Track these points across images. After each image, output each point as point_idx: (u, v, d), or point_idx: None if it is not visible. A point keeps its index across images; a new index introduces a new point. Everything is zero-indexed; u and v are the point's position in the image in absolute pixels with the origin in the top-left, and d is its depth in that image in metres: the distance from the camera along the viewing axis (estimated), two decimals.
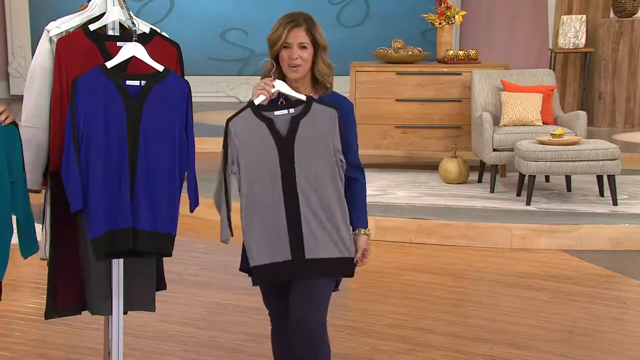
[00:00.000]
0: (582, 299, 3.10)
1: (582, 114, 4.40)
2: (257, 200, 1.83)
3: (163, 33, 2.02)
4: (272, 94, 1.85)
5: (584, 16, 5.97)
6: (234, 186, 1.86)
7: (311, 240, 1.82)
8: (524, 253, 3.68)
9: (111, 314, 2.01)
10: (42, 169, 1.97)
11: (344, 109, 1.88)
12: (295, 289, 1.85)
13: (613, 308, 3.01)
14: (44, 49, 1.96)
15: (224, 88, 7.58)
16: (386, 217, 3.89)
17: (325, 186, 1.83)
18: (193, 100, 1.96)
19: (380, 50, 4.97)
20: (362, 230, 1.90)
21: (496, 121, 4.45)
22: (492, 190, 4.33)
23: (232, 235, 1.86)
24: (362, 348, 2.62)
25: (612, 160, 3.99)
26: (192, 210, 1.95)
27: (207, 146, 5.13)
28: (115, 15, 1.96)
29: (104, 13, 1.97)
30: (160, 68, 1.91)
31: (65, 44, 1.93)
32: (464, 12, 5.04)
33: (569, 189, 4.35)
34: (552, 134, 4.11)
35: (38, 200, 2.05)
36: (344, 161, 1.85)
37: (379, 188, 4.46)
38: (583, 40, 5.96)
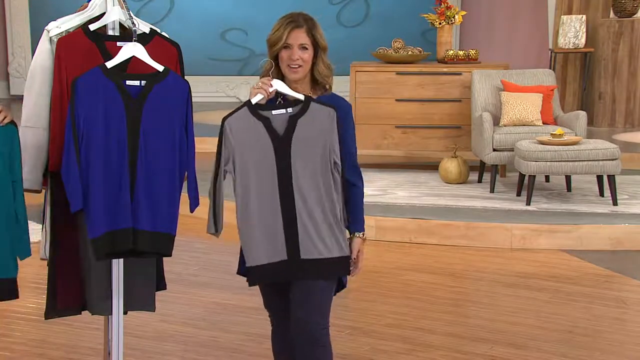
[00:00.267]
0: (582, 299, 3.10)
1: (582, 114, 4.40)
2: (253, 200, 1.83)
3: (163, 33, 2.02)
4: (270, 93, 1.85)
5: (584, 16, 5.97)
6: (227, 184, 1.85)
7: (307, 241, 1.82)
8: (524, 253, 3.68)
9: (111, 314, 2.01)
10: (42, 169, 1.97)
11: (342, 109, 1.88)
12: (295, 291, 1.85)
13: (613, 308, 3.02)
14: (44, 49, 1.96)
15: (224, 88, 7.58)
16: (386, 217, 3.89)
17: (321, 186, 1.83)
18: (193, 100, 1.96)
19: (380, 50, 4.97)
20: (357, 234, 1.90)
21: (496, 121, 4.45)
22: (492, 190, 4.33)
23: (215, 230, 1.86)
24: (362, 348, 2.62)
25: (612, 160, 3.99)
26: (192, 210, 1.95)
27: (207, 146, 5.11)
28: (115, 15, 1.96)
29: (104, 13, 1.97)
30: (160, 68, 1.91)
31: (65, 44, 1.93)
32: (464, 12, 5.04)
33: (569, 189, 4.35)
34: (552, 134, 4.11)
35: (38, 200, 2.05)
36: (339, 162, 1.85)
37: (379, 188, 4.46)
38: (583, 40, 5.96)
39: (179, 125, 1.91)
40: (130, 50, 1.91)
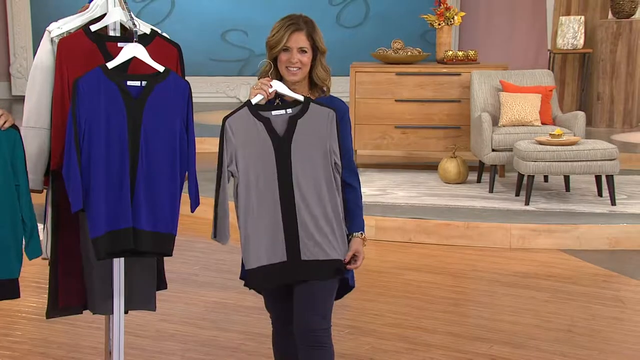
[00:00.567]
0: (581, 299, 3.11)
1: (581, 115, 4.42)
2: (254, 201, 1.83)
3: (164, 34, 2.03)
4: (269, 94, 1.85)
5: (583, 17, 5.99)
6: (230, 186, 1.85)
7: (307, 241, 1.82)
8: (522, 253, 3.69)
9: (112, 313, 2.02)
10: (43, 169, 1.98)
11: (340, 111, 1.88)
12: (297, 292, 1.85)
13: (611, 307, 3.02)
14: (45, 49, 1.97)
15: (224, 88, 7.59)
16: (386, 217, 3.90)
17: (322, 187, 1.83)
18: (193, 101, 1.97)
19: (380, 51, 4.99)
20: (357, 234, 1.90)
21: (495, 121, 4.46)
22: (491, 190, 4.34)
23: (215, 235, 1.84)
24: (362, 347, 2.62)
25: (611, 160, 4.00)
26: (192, 210, 1.96)
27: (207, 146, 5.14)
28: (116, 16, 1.97)
29: (105, 14, 1.98)
30: (161, 68, 1.92)
31: (66, 45, 1.94)
32: (463, 13, 5.05)
33: (567, 189, 4.36)
34: (550, 134, 4.12)
35: (40, 199, 2.06)
36: (339, 162, 1.85)
37: (379, 188, 4.47)
38: (581, 41, 5.98)
39: (179, 126, 1.92)
40: (131, 50, 1.92)
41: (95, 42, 1.95)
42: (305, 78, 1.91)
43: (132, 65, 1.93)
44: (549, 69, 6.01)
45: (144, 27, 2.00)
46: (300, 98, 1.86)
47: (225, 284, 3.23)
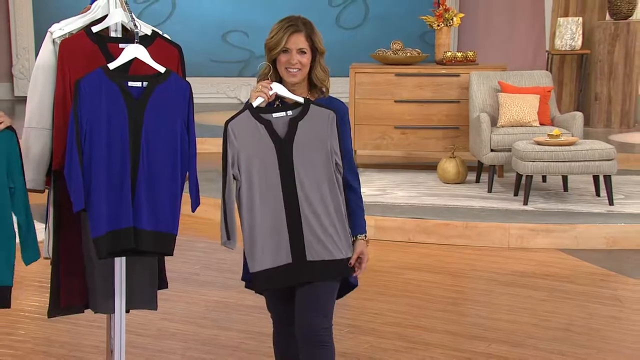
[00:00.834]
0: (579, 298, 3.12)
1: (579, 115, 4.43)
2: (257, 203, 1.84)
3: (165, 35, 2.04)
4: (270, 96, 1.86)
5: (581, 18, 6.01)
6: (234, 189, 1.86)
7: (312, 242, 1.82)
8: (521, 252, 3.70)
9: (114, 313, 2.03)
10: (45, 169, 1.99)
11: (340, 112, 1.89)
12: (299, 292, 1.86)
13: (609, 306, 3.03)
14: (47, 50, 1.98)
15: (224, 89, 7.61)
16: (385, 216, 3.91)
17: (324, 187, 1.84)
18: (194, 101, 1.98)
19: (380, 52, 5.01)
20: (360, 237, 1.91)
21: (494, 122, 4.48)
22: (489, 190, 4.36)
23: (228, 238, 1.85)
24: (362, 346, 2.64)
25: (608, 160, 4.02)
26: (193, 210, 1.97)
27: (207, 147, 5.17)
28: (117, 18, 1.98)
29: (106, 15, 1.99)
30: (162, 69, 1.93)
31: (68, 46, 1.95)
32: (462, 15, 5.07)
33: (565, 189, 4.38)
34: (549, 135, 4.14)
35: (41, 199, 2.07)
36: (341, 163, 1.86)
37: (379, 188, 4.49)
38: (579, 42, 6.00)
39: (180, 126, 1.93)
40: (133, 51, 1.93)
41: (97, 43, 1.96)
42: (304, 79, 1.92)
43: (134, 66, 1.94)
44: (547, 69, 6.03)
45: (145, 28, 2.01)
46: (300, 100, 1.87)
47: (226, 283, 3.24)
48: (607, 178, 4.05)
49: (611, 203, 4.05)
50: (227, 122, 1.87)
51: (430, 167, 4.95)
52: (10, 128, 1.84)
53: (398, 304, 3.05)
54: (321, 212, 1.83)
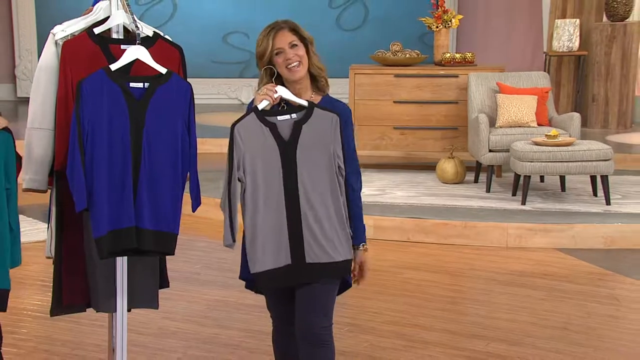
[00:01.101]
0: (576, 297, 3.13)
1: (576, 116, 4.45)
2: (260, 205, 1.85)
3: (166, 36, 2.05)
4: (274, 99, 1.87)
5: (578, 20, 6.03)
6: (238, 191, 1.86)
7: (312, 245, 1.84)
8: (519, 252, 3.72)
9: (115, 311, 2.04)
10: (48, 169, 2.00)
11: (343, 115, 1.91)
12: (299, 292, 1.87)
13: (606, 305, 3.05)
14: (50, 52, 2.00)
15: (225, 90, 7.63)
16: (385, 216, 3.93)
17: (326, 190, 1.85)
18: (195, 102, 1.99)
19: (379, 53, 5.03)
20: (360, 247, 1.92)
21: (492, 122, 4.50)
22: (488, 190, 4.38)
23: (234, 241, 1.86)
24: (361, 345, 2.65)
25: (605, 160, 4.04)
26: (194, 210, 1.99)
27: (208, 147, 5.18)
28: (119, 19, 2.00)
29: (108, 17, 2.01)
30: (163, 70, 1.95)
31: (70, 47, 1.96)
32: (460, 16, 5.09)
33: (563, 189, 4.40)
34: (546, 135, 4.16)
35: (44, 199, 2.09)
36: (343, 166, 1.88)
37: (378, 188, 4.50)
38: (577, 44, 6.02)
39: (181, 127, 1.95)
40: (134, 53, 1.94)
41: (99, 44, 1.97)
42: (306, 74, 1.92)
43: (135, 67, 1.96)
44: (544, 71, 6.06)
45: (147, 30, 2.02)
46: (305, 103, 1.88)
47: (227, 282, 3.25)
48: (604, 178, 4.07)
49: (608, 203, 4.07)
50: (233, 125, 1.87)
51: (429, 167, 4.97)
52: (6, 129, 1.84)
53: (397, 303, 3.06)
54: (322, 215, 1.85)
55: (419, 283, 3.31)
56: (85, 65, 1.95)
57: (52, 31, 2.01)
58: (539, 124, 4.46)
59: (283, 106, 1.90)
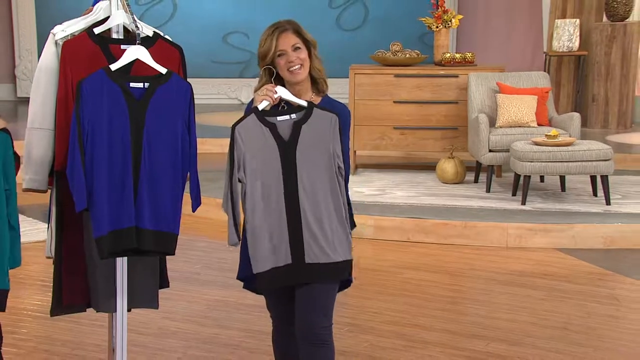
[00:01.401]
0: (576, 297, 3.14)
1: (576, 116, 4.46)
2: (260, 205, 1.85)
3: (166, 36, 2.06)
4: (274, 99, 1.88)
5: (578, 20, 6.04)
6: (240, 191, 1.87)
7: (311, 245, 1.84)
8: (519, 252, 3.72)
9: (115, 311, 2.05)
10: (48, 169, 2.01)
11: (343, 116, 1.91)
12: (299, 292, 1.88)
13: (606, 305, 3.05)
14: (50, 52, 2.00)
15: (225, 90, 7.64)
16: (384, 216, 3.93)
17: (326, 190, 1.86)
18: (195, 102, 2.00)
19: (379, 53, 5.03)
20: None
21: (492, 122, 4.50)
22: (488, 190, 4.38)
23: (239, 240, 1.87)
24: (361, 345, 2.65)
25: (605, 160, 4.04)
26: (194, 210, 1.99)
27: (208, 147, 5.19)
28: (119, 19, 2.00)
29: (108, 17, 2.01)
30: (163, 70, 1.95)
31: (70, 47, 1.96)
32: (460, 16, 5.09)
33: (563, 189, 4.40)
34: (546, 135, 4.16)
35: (44, 199, 2.09)
36: (342, 166, 1.88)
37: (378, 188, 4.50)
38: (577, 44, 6.03)
39: (181, 127, 1.95)
40: (134, 53, 1.94)
41: (99, 44, 1.98)
42: (307, 76, 1.93)
43: (135, 67, 1.96)
44: (544, 71, 6.06)
45: (147, 30, 2.02)
46: (304, 104, 1.89)
47: (227, 282, 3.25)
48: (604, 178, 4.07)
49: (608, 203, 4.07)
50: (234, 126, 1.87)
51: (429, 167, 4.98)
52: (4, 130, 1.84)
53: (397, 303, 3.06)
54: (322, 215, 1.85)
55: (419, 283, 3.31)
56: (85, 65, 1.95)
57: (52, 31, 2.01)
58: (539, 124, 4.46)
59: (283, 106, 1.90)
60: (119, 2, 2.01)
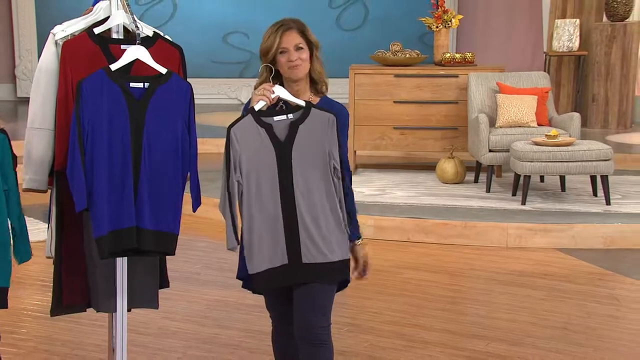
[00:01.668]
0: (576, 297, 3.14)
1: (576, 116, 4.46)
2: (256, 206, 1.85)
3: (166, 36, 2.06)
4: (271, 99, 1.87)
5: (578, 20, 6.04)
6: (237, 193, 1.86)
7: (308, 245, 1.84)
8: (519, 252, 3.72)
9: (115, 311, 2.05)
10: (48, 169, 2.01)
11: (341, 116, 1.91)
12: (298, 292, 1.88)
13: (606, 305, 3.05)
14: (50, 52, 2.00)
15: (225, 90, 7.64)
16: (385, 216, 3.93)
17: (322, 191, 1.86)
18: (195, 102, 2.00)
19: (379, 53, 5.03)
20: (358, 242, 1.93)
21: (492, 122, 4.50)
22: (488, 190, 4.38)
23: (238, 243, 1.87)
24: (361, 345, 2.65)
25: (605, 160, 4.05)
26: (194, 210, 1.99)
27: (208, 147, 5.19)
28: (119, 19, 2.00)
29: (108, 17, 2.01)
30: (163, 70, 1.95)
31: (70, 47, 1.97)
32: (460, 16, 5.09)
33: (563, 189, 4.40)
34: (546, 135, 4.16)
35: (44, 199, 2.09)
36: (339, 168, 1.88)
37: (378, 188, 4.50)
38: (577, 44, 6.03)
39: (181, 127, 1.95)
40: (134, 53, 1.94)
41: (99, 44, 1.98)
42: (306, 76, 1.93)
43: (135, 67, 1.96)
44: (544, 71, 6.06)
45: (147, 30, 2.02)
46: (302, 103, 1.88)
47: (227, 282, 3.25)
48: (604, 178, 4.07)
49: (608, 203, 4.07)
50: (229, 127, 1.87)
51: (429, 167, 4.98)
52: (2, 131, 1.84)
53: (397, 303, 3.06)
54: (318, 215, 1.85)
55: (419, 283, 3.31)
56: (85, 65, 1.95)
57: (52, 31, 2.01)
58: (539, 124, 4.46)
59: (281, 106, 1.90)
60: (119, 2, 2.01)
